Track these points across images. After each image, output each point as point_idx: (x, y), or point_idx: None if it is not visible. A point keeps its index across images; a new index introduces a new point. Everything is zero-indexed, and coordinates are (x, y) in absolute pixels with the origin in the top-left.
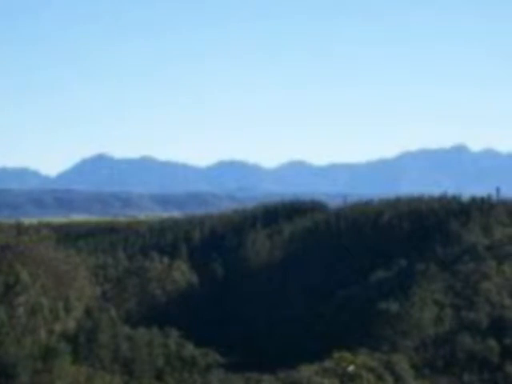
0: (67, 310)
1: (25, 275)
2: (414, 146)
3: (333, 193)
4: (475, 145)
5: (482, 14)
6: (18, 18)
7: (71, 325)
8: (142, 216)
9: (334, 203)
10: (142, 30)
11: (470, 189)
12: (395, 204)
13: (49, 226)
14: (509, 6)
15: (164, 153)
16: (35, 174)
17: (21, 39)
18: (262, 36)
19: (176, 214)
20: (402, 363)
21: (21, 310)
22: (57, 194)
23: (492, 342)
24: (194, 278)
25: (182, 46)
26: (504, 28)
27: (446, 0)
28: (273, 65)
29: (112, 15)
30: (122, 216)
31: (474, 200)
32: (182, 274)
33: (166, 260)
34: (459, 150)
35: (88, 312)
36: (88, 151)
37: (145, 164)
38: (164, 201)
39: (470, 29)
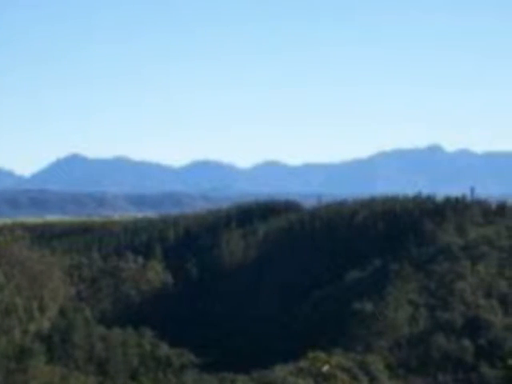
0: (42, 309)
1: None
2: (388, 146)
3: (307, 193)
4: (450, 145)
5: (458, 13)
6: None
7: (46, 325)
8: (117, 216)
9: (308, 203)
10: (114, 30)
11: (444, 189)
12: (370, 204)
13: (23, 226)
14: (481, 5)
15: (138, 153)
16: (9, 174)
17: None
18: (236, 36)
19: (150, 214)
20: (376, 363)
21: None
22: (31, 194)
23: (466, 342)
24: (169, 278)
25: (155, 47)
26: (480, 27)
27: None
28: (247, 65)
29: (84, 16)
30: (96, 216)
31: (448, 200)
32: (157, 274)
33: (140, 260)
34: (434, 150)
35: (62, 312)
36: (62, 151)
37: (119, 164)
38: (138, 201)
39: (446, 28)
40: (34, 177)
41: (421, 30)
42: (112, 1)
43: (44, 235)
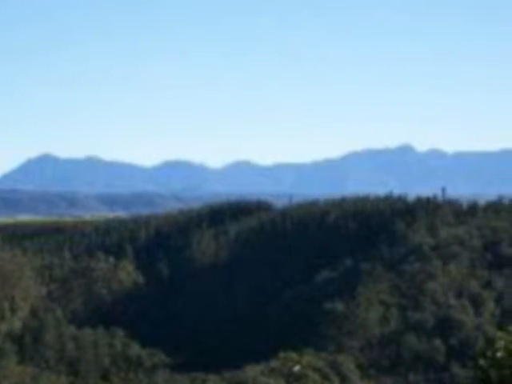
0: (13, 310)
1: None
2: (359, 146)
3: (278, 193)
4: (421, 145)
5: (427, 14)
6: None
7: (17, 325)
8: (88, 216)
9: (279, 203)
10: (86, 30)
11: (415, 189)
12: (341, 204)
13: None
14: (454, 5)
15: (110, 153)
16: None
17: None
18: (206, 36)
19: (122, 214)
20: (347, 363)
21: None
22: (2, 195)
23: (438, 342)
24: (140, 278)
25: (127, 46)
26: (449, 28)
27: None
28: (218, 64)
29: (55, 15)
30: (67, 216)
31: (419, 200)
32: (128, 274)
33: (111, 260)
34: (405, 150)
35: (34, 312)
36: (34, 151)
37: (90, 164)
38: (110, 201)
39: (416, 28)
40: (5, 177)
41: (391, 29)
42: (82, 0)
43: (15, 235)
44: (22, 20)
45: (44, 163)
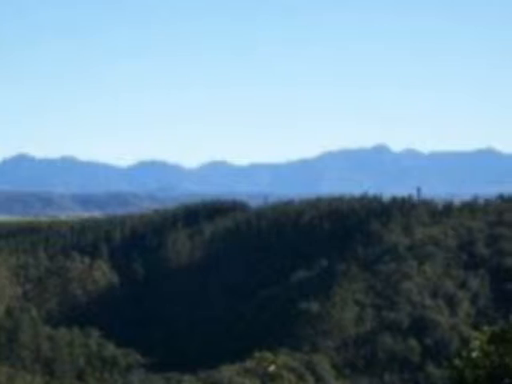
0: None
1: None
2: (334, 146)
3: (254, 193)
4: (396, 145)
5: (403, 13)
6: None
7: None
8: (63, 216)
9: (255, 203)
10: (61, 29)
11: (391, 189)
12: (316, 204)
13: None
14: (429, 5)
15: (85, 153)
16: None
17: None
18: (179, 36)
19: (97, 214)
20: (322, 363)
21: None
22: None
23: (413, 342)
24: (115, 278)
25: (102, 46)
26: (425, 27)
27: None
28: (192, 64)
29: (30, 15)
30: (42, 216)
31: (394, 200)
32: (103, 274)
33: (86, 260)
34: (380, 150)
35: (9, 312)
36: (9, 151)
37: (66, 164)
38: (85, 201)
39: (391, 28)
40: None
41: (363, 29)
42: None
43: None
44: None
45: (19, 163)
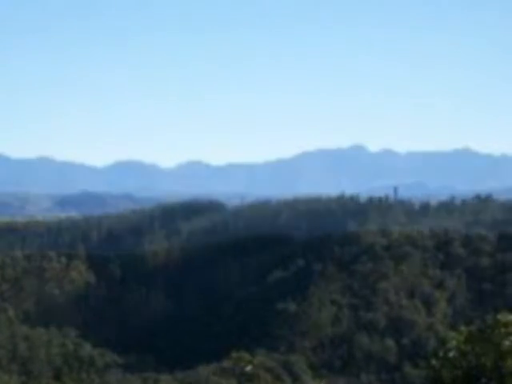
0: None
1: None
2: (312, 146)
3: (231, 193)
4: (373, 145)
5: (382, 19)
6: None
7: None
8: (40, 216)
9: (231, 203)
10: (35, 28)
11: (368, 188)
12: (293, 204)
13: None
14: (406, 10)
15: (62, 153)
16: None
17: None
18: (155, 38)
19: (74, 214)
20: (299, 363)
21: None
22: None
23: (390, 342)
24: (92, 278)
25: (77, 47)
26: (402, 31)
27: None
28: (169, 65)
29: (4, 14)
30: (19, 216)
31: (371, 200)
32: (80, 273)
33: (63, 260)
34: (357, 150)
35: None
36: None
37: (43, 164)
38: (62, 201)
39: (371, 31)
40: None
41: (342, 32)
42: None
43: None
44: None
45: None
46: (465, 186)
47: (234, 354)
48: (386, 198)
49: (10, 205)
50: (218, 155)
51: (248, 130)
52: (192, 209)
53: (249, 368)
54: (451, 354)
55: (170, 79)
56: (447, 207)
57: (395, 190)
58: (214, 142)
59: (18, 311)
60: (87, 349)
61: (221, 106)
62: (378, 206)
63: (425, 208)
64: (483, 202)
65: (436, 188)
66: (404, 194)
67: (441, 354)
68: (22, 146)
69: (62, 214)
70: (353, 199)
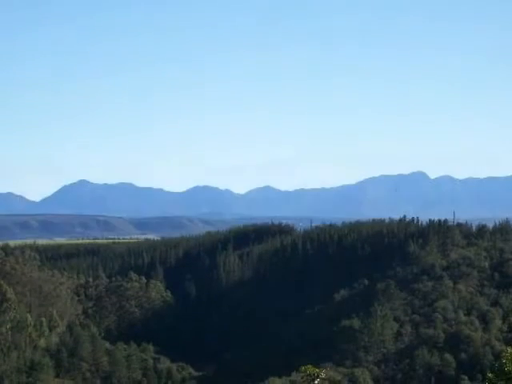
0: (51, 326)
1: (11, 294)
2: (375, 172)
3: (299, 217)
4: (433, 172)
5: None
6: None
7: (54, 340)
8: (121, 238)
9: (300, 226)
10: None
11: (427, 213)
12: (358, 227)
13: (34, 247)
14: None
15: (141, 179)
16: (21, 199)
17: None
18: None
19: (152, 236)
20: (364, 377)
21: (7, 326)
22: (41, 218)
23: (448, 357)
24: (169, 297)
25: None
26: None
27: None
28: (236, 86)
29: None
30: (102, 238)
31: (431, 223)
32: (158, 292)
33: (143, 279)
34: (418, 177)
35: (70, 328)
36: (69, 178)
37: (124, 189)
38: (141, 224)
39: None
40: (44, 201)
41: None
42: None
43: (53, 256)
44: None
45: (80, 188)
46: None
47: (303, 368)
48: (445, 220)
49: (93, 227)
50: (286, 181)
51: (315, 157)
52: (263, 231)
53: (317, 381)
54: (506, 367)
55: (241, 107)
56: (502, 229)
57: (454, 213)
58: (282, 168)
59: (101, 328)
60: (165, 363)
61: (289, 135)
62: (438, 229)
63: (481, 230)
64: None
65: (492, 211)
66: (462, 217)
67: (496, 367)
68: (105, 172)
69: (142, 237)
70: (414, 222)
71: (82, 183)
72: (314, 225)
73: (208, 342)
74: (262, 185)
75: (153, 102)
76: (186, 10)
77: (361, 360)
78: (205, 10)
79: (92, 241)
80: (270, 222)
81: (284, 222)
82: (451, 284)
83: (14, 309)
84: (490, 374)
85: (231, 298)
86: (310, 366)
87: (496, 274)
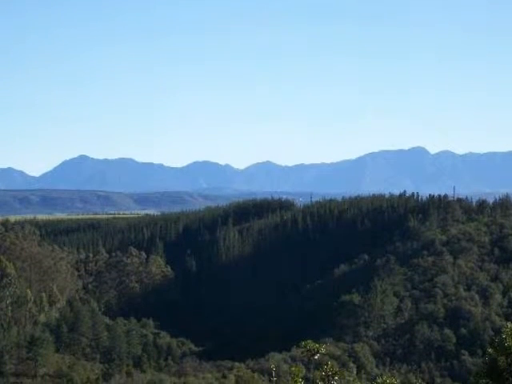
0: (51, 301)
1: (11, 269)
2: (375, 147)
3: (299, 192)
4: (433, 147)
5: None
6: None
7: (54, 315)
8: (121, 214)
9: (300, 202)
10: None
11: (427, 188)
12: (358, 202)
13: (34, 222)
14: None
15: (142, 155)
16: (21, 175)
17: None
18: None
19: (153, 211)
20: (364, 352)
21: (7, 301)
22: (41, 193)
23: (448, 332)
24: (170, 272)
25: (160, 51)
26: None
27: None
28: (247, 65)
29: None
30: (102, 213)
31: (431, 198)
32: (158, 267)
33: (143, 255)
34: (418, 152)
35: (70, 304)
36: (69, 153)
37: (124, 164)
38: (141, 199)
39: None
40: (44, 177)
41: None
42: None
43: (53, 231)
44: None
45: (80, 164)
46: None
47: (303, 343)
48: (446, 196)
49: (93, 202)
50: (286, 156)
51: (314, 132)
52: (263, 207)
53: (317, 356)
54: (506, 343)
55: (242, 83)
56: (503, 205)
57: (454, 188)
58: (282, 144)
59: (100, 303)
60: (165, 338)
61: (288, 110)
62: (438, 204)
63: (481, 206)
64: None
65: (492, 186)
66: (462, 192)
67: (496, 342)
68: (105, 148)
69: (142, 212)
70: (414, 197)
71: (82, 158)
72: (313, 200)
73: (208, 317)
74: (261, 160)
75: (153, 77)
76: None
77: (361, 335)
78: None
79: (92, 216)
80: (269, 197)
81: (284, 197)
82: (451, 259)
83: (14, 284)
84: (489, 349)
85: (231, 272)
86: (309, 341)
87: (496, 250)
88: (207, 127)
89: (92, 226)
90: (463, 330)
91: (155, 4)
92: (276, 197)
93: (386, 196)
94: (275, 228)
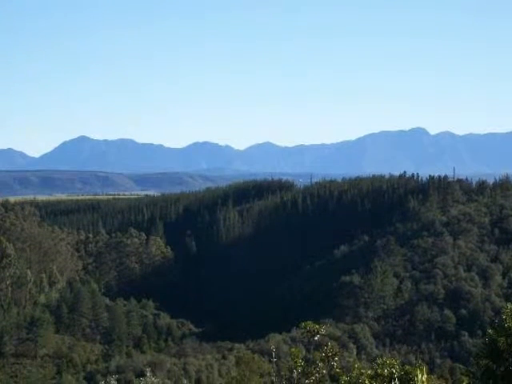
0: (51, 282)
1: (11, 250)
2: (375, 128)
3: (299, 173)
4: (433, 128)
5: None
6: None
7: (54, 296)
8: (121, 194)
9: (300, 183)
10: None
11: (427, 169)
12: (358, 183)
13: (34, 203)
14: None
15: (142, 135)
16: (21, 155)
17: None
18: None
19: (153, 192)
20: (364, 333)
21: (7, 282)
22: (41, 174)
23: (448, 313)
24: (170, 253)
25: (160, 33)
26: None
27: None
28: (247, 48)
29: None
30: (102, 194)
31: (431, 179)
32: (159, 248)
33: (143, 235)
34: (418, 133)
35: (70, 284)
36: (69, 133)
37: (124, 145)
38: (141, 180)
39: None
40: (44, 158)
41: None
42: None
43: (53, 212)
44: None
45: (80, 145)
46: None
47: (303, 324)
48: (446, 176)
49: (93, 183)
50: (286, 137)
51: (314, 113)
52: (263, 187)
53: (316, 337)
54: (506, 324)
55: (244, 64)
56: (503, 186)
57: (454, 169)
58: (284, 124)
59: (100, 284)
60: (165, 319)
61: (288, 91)
62: (438, 185)
63: (481, 186)
64: None
65: (492, 167)
66: (462, 173)
67: (496, 323)
68: (105, 129)
69: (142, 193)
70: (414, 178)
71: (82, 139)
72: (313, 181)
73: (208, 298)
74: (262, 141)
75: (153, 58)
76: None
77: (361, 316)
78: None
79: (92, 197)
80: (269, 178)
81: (284, 178)
82: (451, 240)
83: (14, 265)
84: (489, 330)
85: (231, 253)
86: (309, 322)
87: (496, 230)
88: (207, 108)
89: (92, 206)
90: (463, 311)
91: None
92: (276, 178)
93: (386, 177)
94: (275, 209)
